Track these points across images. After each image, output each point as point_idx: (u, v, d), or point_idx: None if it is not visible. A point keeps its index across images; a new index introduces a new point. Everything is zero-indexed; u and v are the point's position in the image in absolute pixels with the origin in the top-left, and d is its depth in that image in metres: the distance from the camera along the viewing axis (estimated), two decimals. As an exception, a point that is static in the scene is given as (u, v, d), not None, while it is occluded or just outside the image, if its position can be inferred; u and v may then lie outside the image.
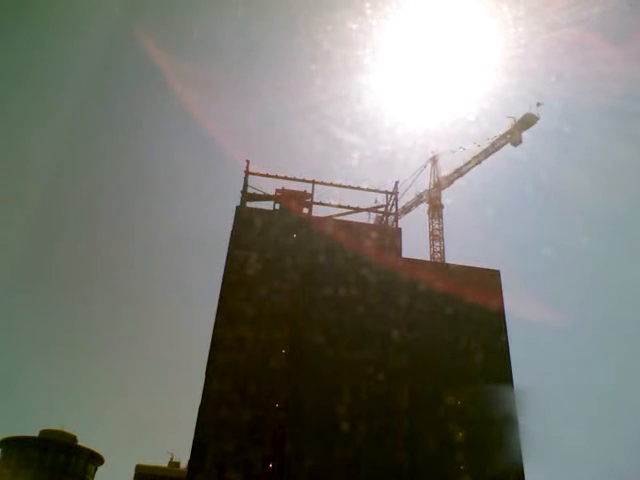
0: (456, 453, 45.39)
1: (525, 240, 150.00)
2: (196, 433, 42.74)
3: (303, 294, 50.04)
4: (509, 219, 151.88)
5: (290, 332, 48.00)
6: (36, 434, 77.31)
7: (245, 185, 57.40)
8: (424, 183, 76.78)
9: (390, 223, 59.94)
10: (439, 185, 76.11)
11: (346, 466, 43.10)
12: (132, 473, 65.61)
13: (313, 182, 58.20)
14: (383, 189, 60.07)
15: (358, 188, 59.58)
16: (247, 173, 57.93)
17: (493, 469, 44.37)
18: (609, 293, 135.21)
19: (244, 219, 53.72)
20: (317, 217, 56.48)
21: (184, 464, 64.41)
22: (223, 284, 49.66)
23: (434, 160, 77.17)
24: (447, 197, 76.81)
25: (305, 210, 57.26)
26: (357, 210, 59.06)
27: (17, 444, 76.14)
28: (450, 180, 75.91)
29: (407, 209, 75.92)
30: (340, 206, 58.14)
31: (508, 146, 73.05)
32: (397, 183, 61.04)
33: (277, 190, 58.16)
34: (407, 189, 74.06)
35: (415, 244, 76.55)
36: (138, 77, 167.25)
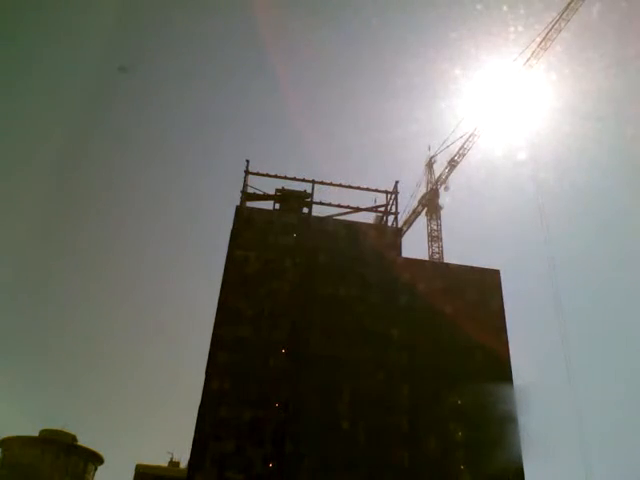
0: (456, 452, 45.39)
1: (525, 240, 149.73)
2: (196, 432, 42.78)
3: (303, 294, 50.09)
4: (509, 219, 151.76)
5: (290, 332, 48.03)
6: (36, 434, 77.23)
7: (245, 185, 57.52)
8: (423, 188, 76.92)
9: (390, 223, 59.93)
10: (437, 184, 75.80)
11: (346, 465, 43.11)
12: (132, 473, 65.58)
13: (313, 182, 58.33)
14: (383, 189, 60.22)
15: (358, 188, 59.63)
16: (247, 173, 58.10)
17: (493, 468, 44.26)
18: (611, 292, 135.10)
19: (244, 219, 53.80)
20: (317, 217, 56.54)
21: (184, 464, 64.37)
22: (223, 284, 49.72)
23: (430, 162, 77.44)
24: (446, 197, 76.72)
25: (305, 210, 57.33)
26: (357, 210, 59.07)
27: (17, 444, 76.06)
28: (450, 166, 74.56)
29: (417, 213, 75.52)
30: (340, 206, 58.19)
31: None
32: (397, 183, 61.12)
33: (277, 190, 58.26)
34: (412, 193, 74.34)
35: (415, 244, 76.47)
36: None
